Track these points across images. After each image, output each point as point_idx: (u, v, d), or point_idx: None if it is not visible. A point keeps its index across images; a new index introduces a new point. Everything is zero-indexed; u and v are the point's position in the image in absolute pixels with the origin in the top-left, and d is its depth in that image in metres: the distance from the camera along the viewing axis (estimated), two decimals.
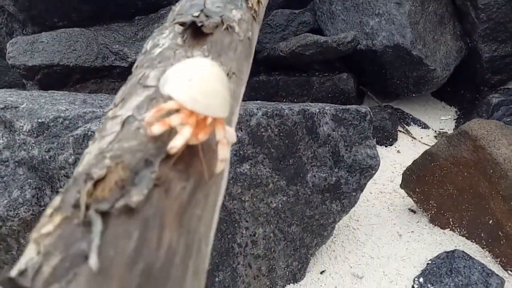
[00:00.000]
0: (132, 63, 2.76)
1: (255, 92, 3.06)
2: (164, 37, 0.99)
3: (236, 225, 2.01)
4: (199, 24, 0.97)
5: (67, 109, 1.82)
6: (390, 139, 3.18)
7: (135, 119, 0.78)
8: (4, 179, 1.77)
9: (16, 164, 1.78)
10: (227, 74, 0.95)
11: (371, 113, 2.26)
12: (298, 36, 3.03)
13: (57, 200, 0.62)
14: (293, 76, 3.09)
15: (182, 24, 0.99)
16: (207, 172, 0.74)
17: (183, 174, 0.68)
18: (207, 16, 1.04)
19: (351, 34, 2.97)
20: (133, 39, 2.79)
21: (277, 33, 3.36)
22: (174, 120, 0.70)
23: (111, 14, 3.05)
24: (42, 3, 3.04)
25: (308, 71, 3.15)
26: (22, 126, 1.80)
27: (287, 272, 2.25)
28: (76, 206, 0.57)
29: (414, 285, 2.23)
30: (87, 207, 0.56)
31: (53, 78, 2.65)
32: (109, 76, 2.72)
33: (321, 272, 2.36)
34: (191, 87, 0.69)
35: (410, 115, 3.42)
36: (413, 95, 3.37)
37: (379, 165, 2.26)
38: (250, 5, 1.25)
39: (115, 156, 0.66)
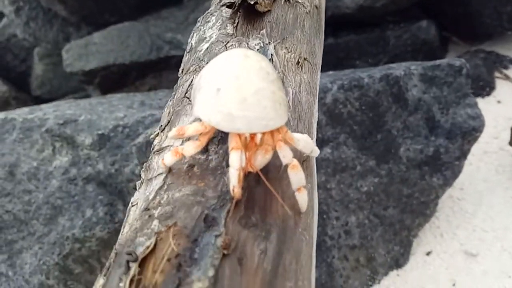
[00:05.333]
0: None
1: (323, 60, 2.75)
2: (211, 26, 0.76)
3: (324, 216, 1.78)
4: (252, 2, 0.73)
5: (126, 115, 1.68)
6: (487, 88, 2.74)
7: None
8: (75, 198, 1.69)
9: (85, 181, 1.69)
10: (297, 62, 0.71)
11: (467, 65, 1.89)
12: None
13: (99, 283, 0.44)
14: (364, 34, 2.73)
15: (230, 5, 0.76)
16: (292, 214, 0.51)
17: (259, 229, 0.46)
18: None
19: None
20: (185, 23, 2.60)
21: None
22: (188, 148, 0.49)
23: (159, 1, 2.88)
24: (91, 2, 2.94)
25: (381, 25, 2.77)
26: (84, 140, 1.69)
27: (389, 259, 2.01)
28: None
29: None
30: None
31: (112, 79, 2.55)
32: (167, 67, 2.57)
33: (427, 253, 2.07)
34: (220, 101, 0.48)
35: (508, 56, 2.93)
36: (509, 32, 2.87)
37: (484, 125, 1.90)
38: None
39: (165, 214, 0.46)
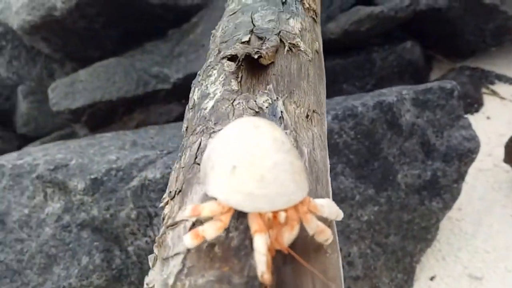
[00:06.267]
0: (175, 83, 2.57)
1: None
2: (213, 81, 0.73)
3: None
4: (256, 56, 0.70)
5: (118, 158, 1.64)
6: (476, 105, 2.77)
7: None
8: (70, 246, 1.63)
9: (79, 227, 1.63)
10: (307, 116, 0.68)
11: (458, 87, 1.90)
12: (347, 11, 2.68)
13: None
14: (349, 58, 2.74)
15: (231, 58, 0.73)
16: (325, 280, 0.49)
17: None
18: (260, 38, 0.77)
19: None
20: (171, 56, 2.59)
21: (322, 13, 3.01)
22: (209, 231, 0.47)
23: (142, 33, 2.86)
24: (74, 38, 2.91)
25: (366, 48, 2.79)
26: (76, 185, 1.64)
27: (393, 287, 1.97)
28: None
29: None
30: None
31: (99, 116, 2.51)
32: (155, 101, 2.54)
33: (431, 278, 2.05)
34: (237, 180, 0.45)
35: (493, 72, 2.96)
36: (493, 48, 2.91)
37: (479, 146, 1.90)
38: (307, 5, 0.97)
39: None
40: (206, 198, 0.55)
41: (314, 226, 0.47)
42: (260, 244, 0.43)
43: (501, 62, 3.06)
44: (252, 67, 0.73)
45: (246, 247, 0.49)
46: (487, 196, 2.32)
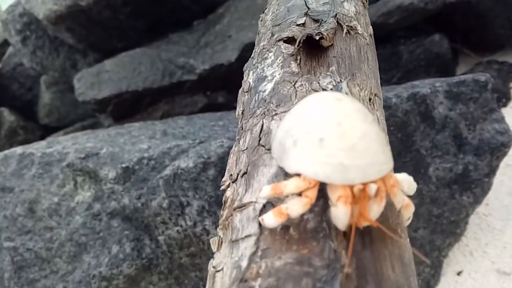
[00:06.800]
0: (200, 74, 2.56)
1: None
2: (270, 63, 0.72)
3: None
4: (317, 38, 0.69)
5: (150, 147, 1.64)
6: (504, 99, 2.71)
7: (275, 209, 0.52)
8: (100, 234, 1.64)
9: (109, 216, 1.64)
10: (370, 100, 0.67)
11: (492, 80, 1.86)
12: (375, 3, 2.64)
13: None
14: (376, 50, 2.70)
15: (288, 40, 0.72)
16: (404, 240, 0.48)
17: None
18: (315, 20, 0.75)
19: None
20: (197, 47, 2.58)
21: None
22: (294, 207, 0.45)
23: (167, 25, 2.86)
24: (98, 28, 2.92)
25: (392, 40, 2.75)
26: (107, 174, 1.65)
27: (419, 281, 1.95)
28: None
29: None
30: None
31: (125, 106, 2.52)
32: (180, 92, 2.53)
33: (458, 273, 2.02)
34: (326, 151, 0.44)
35: None
36: None
37: None
38: None
39: None
40: (275, 179, 0.54)
41: (401, 200, 0.46)
42: (343, 214, 0.42)
43: None
44: (310, 50, 0.71)
45: (324, 229, 0.47)
46: None
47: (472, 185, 1.86)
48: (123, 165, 1.61)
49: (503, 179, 2.36)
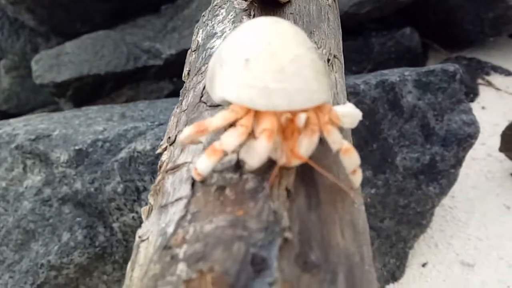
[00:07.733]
0: (167, 60, 2.47)
1: None
2: (221, 20, 0.65)
3: None
4: None
5: (105, 129, 1.55)
6: (471, 95, 2.73)
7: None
8: (50, 221, 1.53)
9: (60, 202, 1.53)
10: (328, 61, 0.61)
11: (461, 70, 1.85)
12: None
13: None
14: (347, 41, 2.66)
15: None
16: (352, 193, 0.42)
17: (323, 271, 0.36)
18: None
19: None
20: (164, 31, 2.49)
21: None
22: (229, 140, 0.38)
23: (134, 9, 2.75)
24: (61, 10, 2.79)
25: (363, 32, 2.73)
26: (59, 157, 1.54)
27: (385, 272, 1.93)
28: None
29: None
30: None
31: (86, 91, 2.40)
32: (145, 78, 2.44)
33: (423, 265, 2.00)
34: (251, 72, 0.38)
35: (489, 63, 2.93)
36: (490, 39, 2.88)
37: (479, 132, 1.86)
38: None
39: (195, 255, 0.34)
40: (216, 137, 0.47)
41: (337, 140, 0.40)
42: (263, 148, 0.36)
43: (497, 53, 3.04)
44: (265, 6, 0.65)
45: (264, 188, 0.41)
46: (480, 185, 2.29)
47: (439, 176, 1.84)
48: (76, 148, 1.51)
49: (469, 173, 2.37)
